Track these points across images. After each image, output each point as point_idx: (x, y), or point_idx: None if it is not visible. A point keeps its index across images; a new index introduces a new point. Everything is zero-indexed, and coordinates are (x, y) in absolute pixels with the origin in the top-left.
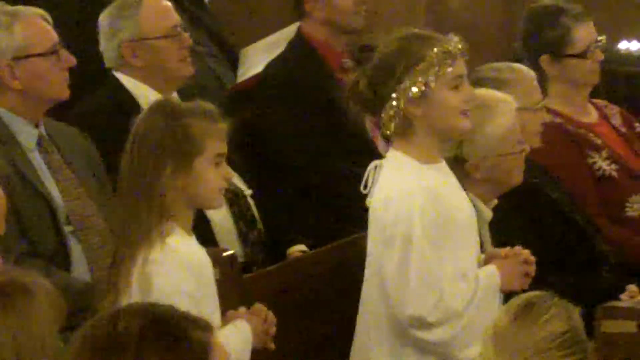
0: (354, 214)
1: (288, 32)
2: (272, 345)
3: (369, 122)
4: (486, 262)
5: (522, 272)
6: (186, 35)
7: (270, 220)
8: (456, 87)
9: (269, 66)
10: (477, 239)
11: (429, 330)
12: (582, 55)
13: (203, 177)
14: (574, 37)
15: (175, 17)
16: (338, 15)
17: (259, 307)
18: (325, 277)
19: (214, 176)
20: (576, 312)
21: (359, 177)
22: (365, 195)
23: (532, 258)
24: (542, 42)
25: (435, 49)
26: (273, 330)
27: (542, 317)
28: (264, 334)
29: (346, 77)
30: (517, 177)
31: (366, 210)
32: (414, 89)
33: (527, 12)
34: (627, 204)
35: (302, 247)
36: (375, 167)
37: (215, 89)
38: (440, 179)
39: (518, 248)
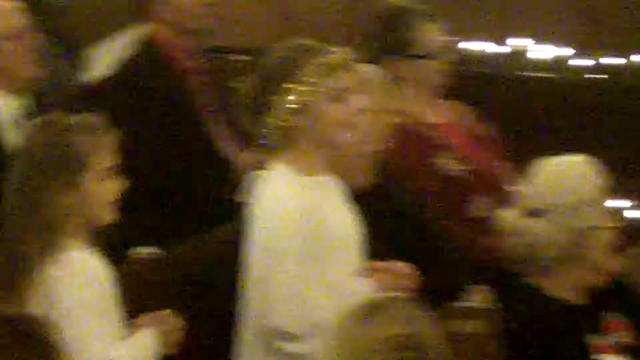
0: (197, 215)
1: (134, 33)
2: (175, 351)
3: None
4: (365, 276)
5: (399, 286)
6: (33, 36)
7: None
8: (339, 100)
9: (114, 67)
10: (358, 254)
11: (294, 343)
12: (428, 56)
13: (91, 194)
14: (420, 38)
15: (21, 18)
16: (184, 16)
17: (164, 313)
18: (174, 278)
19: (102, 191)
20: (422, 315)
21: (203, 178)
22: (209, 197)
23: (410, 271)
24: (388, 43)
25: (317, 61)
26: (178, 336)
27: (381, 319)
28: (168, 340)
29: (192, 78)
30: (362, 178)
31: (215, 209)
32: (295, 101)
33: (373, 13)
34: (474, 204)
35: (146, 249)
36: (256, 177)
37: (60, 89)
38: (319, 193)
39: (396, 262)
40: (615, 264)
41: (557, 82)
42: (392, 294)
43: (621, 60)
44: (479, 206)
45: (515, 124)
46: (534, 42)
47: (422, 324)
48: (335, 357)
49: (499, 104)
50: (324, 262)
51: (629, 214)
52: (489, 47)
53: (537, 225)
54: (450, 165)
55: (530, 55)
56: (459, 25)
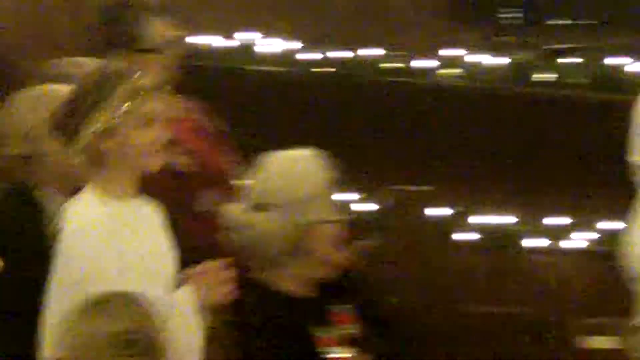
0: None
1: None
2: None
3: None
4: (183, 284)
5: (219, 281)
6: None
7: None
8: (147, 125)
9: None
10: (171, 272)
11: None
12: (155, 50)
13: None
14: (147, 32)
15: None
16: None
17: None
18: None
19: None
20: (148, 311)
21: None
22: None
23: (224, 266)
24: (114, 36)
25: (126, 85)
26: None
27: (103, 315)
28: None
29: None
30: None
31: None
32: (102, 125)
33: (99, 5)
34: (201, 199)
35: None
36: (66, 203)
37: None
38: (128, 217)
39: (208, 262)
40: (342, 257)
41: (285, 75)
42: (123, 292)
43: (349, 54)
44: (206, 201)
45: (243, 118)
46: (262, 35)
47: (148, 320)
48: (62, 354)
49: (227, 98)
50: (136, 280)
51: (357, 207)
52: (217, 41)
53: (263, 220)
54: (176, 159)
55: (259, 49)
56: (187, 19)
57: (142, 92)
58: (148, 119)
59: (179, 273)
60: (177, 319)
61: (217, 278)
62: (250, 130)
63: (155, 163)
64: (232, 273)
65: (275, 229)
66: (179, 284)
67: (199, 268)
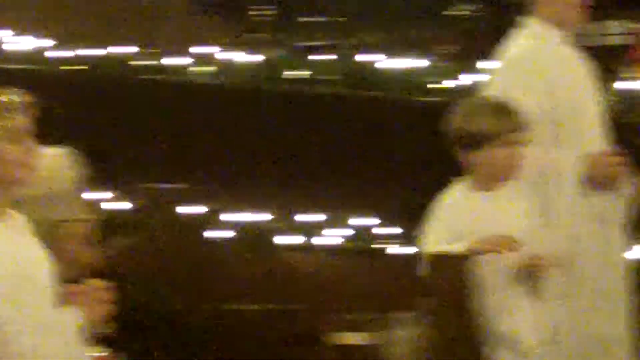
0: None
1: None
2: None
3: None
4: (64, 302)
5: (99, 301)
6: None
7: None
8: (17, 140)
9: None
10: (51, 285)
11: None
12: None
13: None
14: None
15: None
16: None
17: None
18: None
19: None
20: None
21: None
22: None
23: (101, 283)
24: None
25: None
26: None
27: None
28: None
29: None
30: None
31: None
32: None
33: None
34: None
35: None
36: None
37: None
38: (6, 233)
39: (88, 280)
40: (93, 257)
41: (35, 73)
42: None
43: (100, 52)
44: None
45: None
46: (12, 33)
47: None
48: None
49: None
50: (31, 302)
51: (109, 205)
52: None
53: None
54: None
55: (8, 46)
56: None
57: (10, 108)
58: (18, 133)
59: (59, 288)
60: (59, 338)
61: (97, 297)
62: None
63: (27, 177)
64: (111, 293)
65: None
66: (59, 299)
67: (76, 287)
